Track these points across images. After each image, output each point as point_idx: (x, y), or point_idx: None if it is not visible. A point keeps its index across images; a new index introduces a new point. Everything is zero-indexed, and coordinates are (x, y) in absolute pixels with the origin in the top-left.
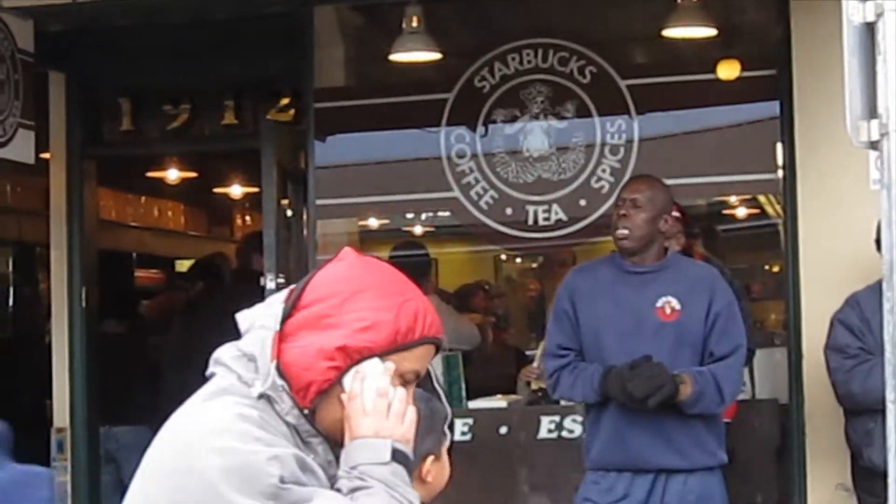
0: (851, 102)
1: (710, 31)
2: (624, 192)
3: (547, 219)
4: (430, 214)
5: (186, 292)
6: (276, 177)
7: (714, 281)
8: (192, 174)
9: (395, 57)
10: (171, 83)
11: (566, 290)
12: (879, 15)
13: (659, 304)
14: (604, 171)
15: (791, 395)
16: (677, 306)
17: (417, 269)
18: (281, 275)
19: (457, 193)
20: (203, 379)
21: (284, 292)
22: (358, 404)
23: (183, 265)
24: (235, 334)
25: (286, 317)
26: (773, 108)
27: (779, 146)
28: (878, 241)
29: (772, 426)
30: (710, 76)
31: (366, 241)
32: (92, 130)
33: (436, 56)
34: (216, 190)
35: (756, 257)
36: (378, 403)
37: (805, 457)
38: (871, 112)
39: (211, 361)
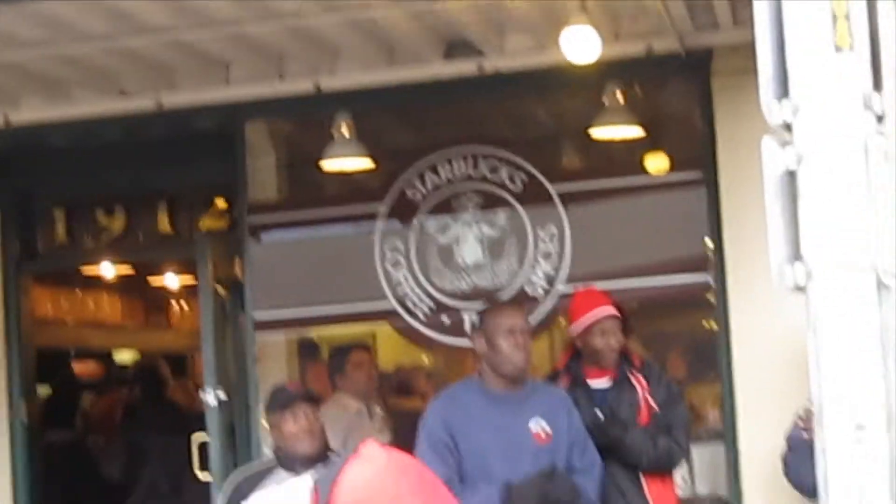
0: (775, 248)
1: (637, 131)
2: (509, 321)
3: None
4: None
5: (127, 394)
6: (213, 289)
7: (567, 402)
8: (128, 269)
9: (327, 165)
10: (105, 194)
11: (439, 421)
12: (799, 162)
13: (533, 428)
14: (537, 276)
15: (730, 491)
16: (548, 429)
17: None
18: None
19: (393, 304)
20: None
21: (303, 487)
22: None
23: (121, 355)
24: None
25: None
26: (702, 205)
27: (709, 243)
28: None
29: None
30: (638, 176)
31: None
32: (27, 243)
33: (367, 164)
34: (152, 282)
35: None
36: None
37: None
38: (795, 256)
39: None
